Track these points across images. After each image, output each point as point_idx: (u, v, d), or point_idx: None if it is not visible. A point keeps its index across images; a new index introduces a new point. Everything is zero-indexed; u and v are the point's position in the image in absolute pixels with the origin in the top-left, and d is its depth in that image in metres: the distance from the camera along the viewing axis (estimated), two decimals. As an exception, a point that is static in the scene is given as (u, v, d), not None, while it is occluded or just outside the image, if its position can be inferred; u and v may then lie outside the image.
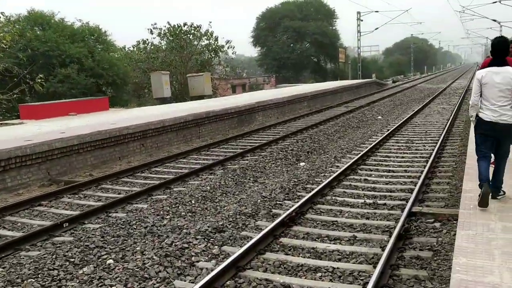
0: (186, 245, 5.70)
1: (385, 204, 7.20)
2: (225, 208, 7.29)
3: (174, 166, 10.85)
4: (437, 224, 6.07)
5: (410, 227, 5.98)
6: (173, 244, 5.76)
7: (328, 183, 8.24)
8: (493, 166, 5.60)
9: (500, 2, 42.77)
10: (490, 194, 5.17)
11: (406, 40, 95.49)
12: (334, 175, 8.74)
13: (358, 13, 46.72)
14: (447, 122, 15.34)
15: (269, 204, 7.39)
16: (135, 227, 6.59)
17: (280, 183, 8.61)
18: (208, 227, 6.29)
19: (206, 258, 5.41)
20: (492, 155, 5.63)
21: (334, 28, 57.41)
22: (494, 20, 47.67)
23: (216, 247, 5.70)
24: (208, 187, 8.51)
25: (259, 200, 7.52)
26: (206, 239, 5.91)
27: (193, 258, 5.37)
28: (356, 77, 47.39)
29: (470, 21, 79.66)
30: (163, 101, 22.35)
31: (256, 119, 18.24)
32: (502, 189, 5.56)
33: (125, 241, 6.05)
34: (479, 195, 5.13)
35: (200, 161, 11.26)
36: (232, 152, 12.15)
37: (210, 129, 15.02)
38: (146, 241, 6.02)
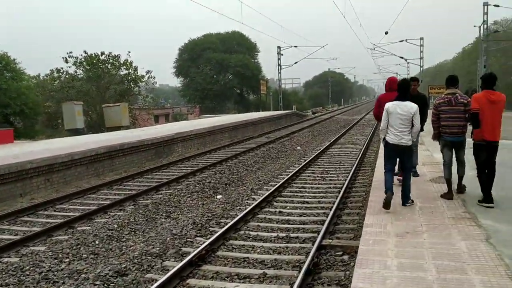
0: (82, 293, 5.20)
1: (297, 237, 7.14)
2: (131, 248, 6.83)
3: (81, 203, 10.13)
4: (346, 257, 6.08)
5: (320, 261, 5.94)
6: (68, 292, 5.23)
7: (242, 217, 8.07)
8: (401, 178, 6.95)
9: (406, 41, 46.39)
10: (401, 202, 6.62)
11: (324, 73, 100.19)
12: (249, 208, 8.61)
13: (279, 47, 48.37)
14: (360, 153, 15.95)
15: (179, 242, 7.04)
16: (28, 273, 5.97)
17: (193, 218, 8.30)
18: (110, 270, 5.82)
19: (104, 306, 4.95)
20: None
21: (256, 60, 58.78)
22: (402, 57, 51.55)
23: (116, 293, 5.26)
24: (116, 225, 7.99)
25: (168, 238, 7.15)
26: (105, 285, 5.43)
27: (88, 307, 4.89)
28: (277, 108, 48.56)
29: (381, 57, 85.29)
30: (75, 132, 21.19)
31: (176, 150, 17.83)
32: (410, 198, 6.73)
33: (13, 291, 5.41)
34: (384, 200, 6.38)
35: (111, 196, 10.64)
36: (146, 186, 11.65)
37: (124, 162, 14.37)
38: (38, 290, 5.43)
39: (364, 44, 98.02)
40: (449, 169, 7.02)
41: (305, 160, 14.89)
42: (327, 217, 7.94)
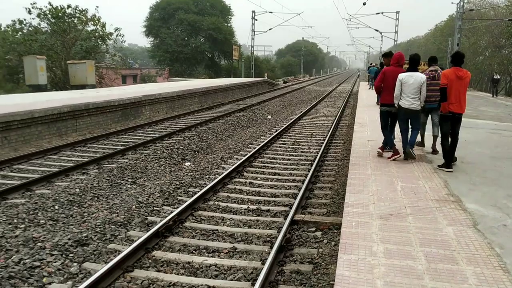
0: (37, 263, 4.82)
1: (268, 210, 6.94)
2: (94, 215, 6.44)
3: (41, 164, 9.57)
4: (319, 234, 5.91)
5: (292, 237, 5.74)
6: (21, 261, 4.84)
7: (212, 186, 7.78)
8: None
9: (383, 14, 46.19)
10: (408, 155, 7.91)
11: (298, 42, 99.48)
12: (219, 177, 8.32)
13: (253, 12, 47.17)
14: (332, 125, 15.83)
15: (145, 210, 6.71)
16: (-22, 239, 5.50)
17: (160, 186, 7.95)
18: (69, 239, 5.45)
19: (61, 278, 4.61)
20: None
21: (229, 25, 57.22)
22: (377, 30, 51.42)
23: (76, 264, 4.91)
24: (77, 190, 7.55)
25: (134, 206, 6.80)
26: (64, 255, 5.07)
27: (44, 280, 4.54)
28: (249, 75, 47.86)
29: (356, 29, 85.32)
30: (37, 88, 20.06)
31: (143, 113, 17.20)
32: (411, 147, 7.93)
33: (-39, 258, 4.98)
34: (404, 154, 8.05)
35: (73, 158, 10.12)
36: (112, 149, 11.15)
37: (89, 123, 13.71)
38: (-11, 258, 5.01)
39: (341, 14, 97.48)
40: (423, 130, 8.96)
41: (276, 130, 14.65)
42: (299, 190, 7.76)
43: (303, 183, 8.18)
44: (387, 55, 9.04)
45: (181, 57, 49.88)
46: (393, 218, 5.08)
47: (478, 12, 44.52)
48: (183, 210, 6.52)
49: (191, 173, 9.04)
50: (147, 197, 7.25)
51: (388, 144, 8.46)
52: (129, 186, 8.17)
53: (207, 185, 7.95)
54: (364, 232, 4.70)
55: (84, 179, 8.25)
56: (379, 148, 8.61)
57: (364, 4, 37.25)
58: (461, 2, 31.02)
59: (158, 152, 10.86)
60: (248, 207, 7.06)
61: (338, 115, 18.96)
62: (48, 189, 7.68)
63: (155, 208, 6.87)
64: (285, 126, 15.35)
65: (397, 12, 50.09)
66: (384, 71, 8.25)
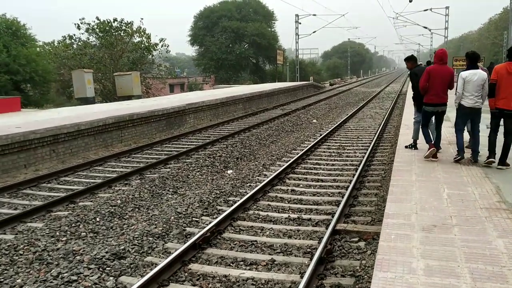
0: (75, 277, 4.81)
1: (310, 219, 6.66)
2: (133, 227, 6.42)
3: (86, 175, 9.77)
4: (362, 244, 5.58)
5: (333, 248, 5.45)
6: (60, 275, 4.85)
7: (252, 195, 7.60)
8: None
9: (431, 10, 44.60)
10: (471, 159, 7.62)
11: (344, 44, 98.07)
12: (260, 185, 8.13)
13: (296, 15, 46.93)
14: (379, 127, 15.28)
15: (184, 221, 6.63)
16: (22, 253, 5.60)
17: (200, 195, 7.86)
18: (107, 252, 5.42)
19: (97, 293, 4.56)
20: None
21: (273, 30, 57.30)
22: (425, 27, 49.69)
23: (112, 278, 4.86)
24: (119, 201, 7.60)
25: (172, 217, 6.73)
26: (101, 268, 5.04)
27: (80, 294, 4.51)
28: (294, 79, 47.55)
29: (403, 27, 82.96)
30: (85, 101, 20.75)
31: (187, 121, 17.36)
32: (479, 152, 7.66)
33: (4, 272, 5.06)
34: (456, 157, 7.73)
35: (118, 169, 10.27)
36: (155, 158, 11.24)
37: (134, 133, 13.96)
38: (31, 271, 5.08)
39: (387, 13, 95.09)
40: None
41: (320, 135, 14.30)
42: (342, 197, 7.43)
43: (347, 189, 7.83)
44: (410, 59, 9.07)
45: (226, 64, 50.34)
46: (437, 230, 4.62)
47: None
48: (221, 221, 6.38)
49: (232, 181, 8.91)
50: (186, 207, 7.17)
51: (426, 141, 8.14)
52: (170, 196, 8.14)
53: (247, 193, 7.79)
54: (404, 246, 4.30)
55: (126, 190, 8.31)
56: (429, 148, 7.98)
57: (411, 1, 36.07)
58: (515, -8, 29.27)
59: (201, 160, 10.83)
60: (289, 216, 6.82)
61: (386, 117, 18.33)
62: (91, 201, 7.78)
63: (194, 218, 6.77)
64: (330, 129, 14.97)
65: (447, 8, 48.13)
66: (429, 70, 7.84)
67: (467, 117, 7.67)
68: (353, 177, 8.67)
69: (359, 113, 21.40)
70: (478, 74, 7.37)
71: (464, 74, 7.49)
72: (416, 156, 8.24)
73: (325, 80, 60.53)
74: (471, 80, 7.34)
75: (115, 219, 6.86)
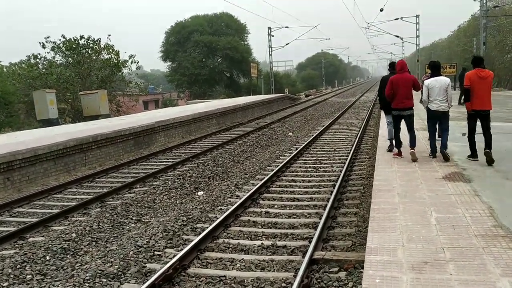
0: (7, 337, 4.06)
1: (285, 246, 6.04)
2: (85, 266, 5.67)
3: (43, 205, 8.94)
4: (342, 274, 4.97)
5: (311, 282, 4.82)
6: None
7: (222, 220, 6.95)
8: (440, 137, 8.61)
9: (402, 19, 45.03)
10: (443, 156, 8.14)
11: (317, 55, 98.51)
12: (231, 208, 7.49)
13: (269, 28, 46.76)
14: (356, 139, 14.83)
15: (144, 256, 5.91)
16: (-48, 305, 4.81)
17: (165, 224, 7.15)
18: (51, 301, 4.68)
19: None
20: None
21: (246, 43, 56.95)
22: (397, 36, 50.18)
23: (52, 335, 4.12)
24: (74, 234, 6.84)
25: (131, 252, 6.00)
26: (41, 323, 4.30)
27: None
28: (269, 92, 47.18)
29: (375, 36, 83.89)
30: (49, 122, 19.70)
31: (157, 140, 16.60)
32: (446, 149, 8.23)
33: None
34: (430, 155, 8.57)
35: (78, 196, 9.46)
36: (120, 182, 10.47)
37: (99, 155, 13.14)
38: (-41, 330, 4.29)
39: (358, 23, 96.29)
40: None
41: (296, 148, 13.76)
42: (320, 218, 6.85)
43: (324, 209, 7.25)
44: (393, 65, 9.65)
45: (199, 79, 49.61)
46: (429, 269, 3.87)
47: (502, 9, 42.86)
48: (187, 253, 5.70)
49: (202, 205, 8.23)
50: (148, 239, 6.45)
51: (395, 144, 9.15)
52: (132, 225, 7.41)
53: (217, 218, 7.13)
54: (392, 281, 3.66)
55: (84, 221, 7.53)
56: (394, 154, 9.04)
57: (381, 10, 36.25)
58: (483, -1, 29.68)
59: (169, 182, 10.13)
60: (262, 243, 6.19)
61: (362, 127, 17.93)
62: (43, 236, 6.99)
63: (156, 252, 6.06)
64: (306, 143, 14.45)
65: (417, 16, 48.70)
66: (391, 80, 8.65)
67: (435, 119, 8.40)
68: (331, 194, 8.10)
69: (335, 124, 21.00)
70: (440, 81, 8.06)
71: (427, 82, 8.26)
72: (397, 172, 7.64)
73: (301, 91, 60.39)
74: (434, 86, 8.06)
75: (68, 256, 6.11)
